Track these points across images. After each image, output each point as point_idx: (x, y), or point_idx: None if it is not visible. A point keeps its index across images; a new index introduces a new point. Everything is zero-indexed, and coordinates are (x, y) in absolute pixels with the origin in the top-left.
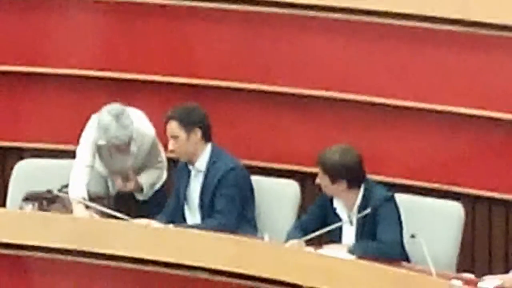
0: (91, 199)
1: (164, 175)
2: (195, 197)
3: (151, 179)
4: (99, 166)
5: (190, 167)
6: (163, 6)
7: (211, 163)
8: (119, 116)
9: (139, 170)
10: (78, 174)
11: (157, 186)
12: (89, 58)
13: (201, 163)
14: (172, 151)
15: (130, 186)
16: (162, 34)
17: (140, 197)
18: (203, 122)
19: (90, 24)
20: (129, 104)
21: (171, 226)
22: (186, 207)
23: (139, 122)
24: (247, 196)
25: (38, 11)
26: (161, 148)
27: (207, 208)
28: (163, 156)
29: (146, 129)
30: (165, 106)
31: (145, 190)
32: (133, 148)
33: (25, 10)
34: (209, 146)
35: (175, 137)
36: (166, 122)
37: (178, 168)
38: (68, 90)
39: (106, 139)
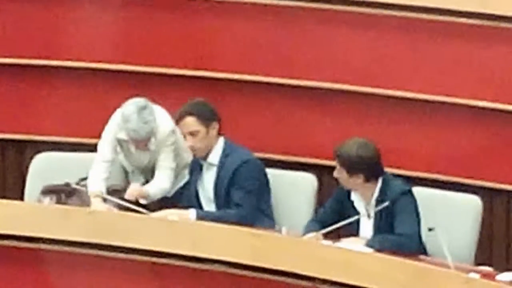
0: (109, 192)
1: (187, 174)
2: (209, 191)
3: (159, 192)
4: (122, 159)
5: (202, 161)
6: None
7: (224, 156)
8: (141, 110)
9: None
10: (97, 169)
11: (181, 184)
12: (107, 51)
13: (214, 157)
14: (190, 147)
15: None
16: (180, 27)
17: (142, 201)
18: (217, 116)
19: (108, 18)
20: (147, 98)
21: (193, 210)
22: (202, 201)
23: (161, 120)
24: (263, 187)
25: (57, 5)
26: (184, 145)
27: (223, 201)
28: (186, 154)
29: (168, 128)
30: (183, 99)
31: (149, 199)
32: (152, 146)
33: (44, 4)
34: (221, 140)
35: (194, 133)
36: (180, 119)
37: (191, 162)
38: (86, 84)
39: (126, 130)
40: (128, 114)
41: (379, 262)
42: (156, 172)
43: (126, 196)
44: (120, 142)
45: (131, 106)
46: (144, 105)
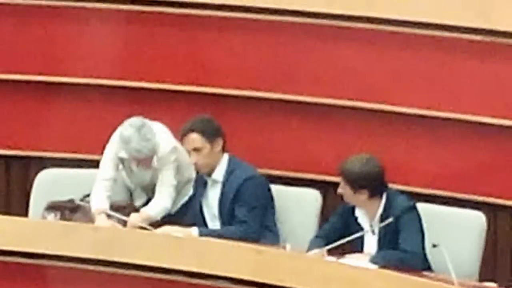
0: (113, 209)
1: (191, 189)
2: (214, 207)
3: (160, 211)
4: (125, 177)
5: (206, 177)
6: (182, 15)
7: (229, 173)
8: (140, 129)
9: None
10: (99, 187)
11: (184, 199)
12: (110, 67)
13: (219, 173)
14: (194, 164)
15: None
16: (182, 43)
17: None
18: (222, 132)
19: (111, 34)
20: (149, 114)
21: (195, 228)
22: (207, 217)
23: (161, 137)
24: (267, 204)
25: (60, 21)
26: (187, 160)
27: (227, 218)
28: (191, 171)
29: (169, 145)
30: (185, 115)
31: (152, 220)
32: (154, 163)
33: (47, 20)
34: (226, 156)
35: (198, 150)
36: (185, 135)
37: (195, 178)
38: (90, 100)
39: (128, 151)
40: (128, 136)
41: (382, 279)
42: (157, 190)
43: (129, 226)
44: (122, 160)
45: (129, 127)
46: (141, 124)
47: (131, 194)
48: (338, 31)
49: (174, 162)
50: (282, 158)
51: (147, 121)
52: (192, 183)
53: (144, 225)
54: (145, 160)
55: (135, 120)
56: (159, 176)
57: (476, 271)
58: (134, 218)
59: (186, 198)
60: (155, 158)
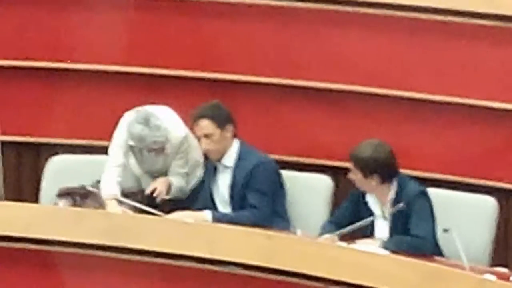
0: (124, 195)
1: (200, 173)
2: (225, 193)
3: (179, 184)
4: (133, 165)
5: (216, 163)
6: (190, 1)
7: (239, 159)
8: (147, 121)
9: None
10: (110, 174)
11: (193, 183)
12: (119, 54)
13: (229, 159)
14: (204, 150)
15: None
16: (188, 29)
17: (164, 196)
18: (232, 118)
19: (119, 20)
20: (158, 100)
21: (209, 212)
22: (217, 203)
23: (171, 123)
24: (278, 189)
25: (69, 8)
26: (196, 144)
27: (238, 203)
28: (198, 153)
29: (177, 129)
30: (194, 101)
31: (172, 191)
32: (168, 149)
33: (56, 7)
34: (236, 142)
35: (208, 136)
36: (195, 122)
37: (205, 164)
38: (100, 86)
39: (144, 146)
40: (139, 132)
41: (392, 264)
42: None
43: (152, 187)
44: (132, 147)
45: (136, 124)
46: (146, 116)
47: (139, 182)
48: (346, 16)
49: (186, 151)
50: (292, 143)
51: (148, 109)
52: (201, 166)
53: (162, 196)
54: (161, 147)
55: (139, 114)
56: (172, 165)
57: (488, 256)
58: (159, 181)
59: (195, 181)
60: (168, 145)
